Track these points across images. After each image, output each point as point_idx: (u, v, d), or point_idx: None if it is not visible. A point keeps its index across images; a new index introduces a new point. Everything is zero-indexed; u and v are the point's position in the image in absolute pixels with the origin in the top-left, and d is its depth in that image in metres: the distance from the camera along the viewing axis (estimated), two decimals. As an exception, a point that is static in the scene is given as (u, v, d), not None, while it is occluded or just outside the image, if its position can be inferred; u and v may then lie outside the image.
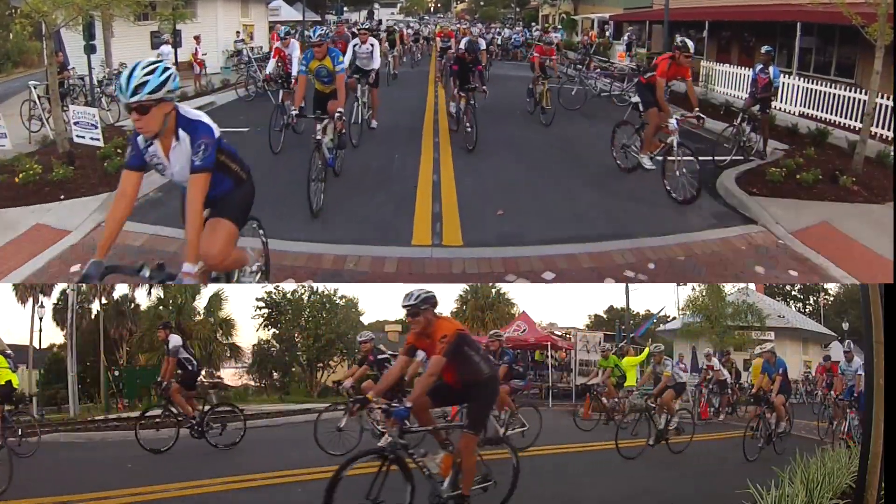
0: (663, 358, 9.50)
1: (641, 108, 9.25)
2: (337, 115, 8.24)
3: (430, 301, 4.54)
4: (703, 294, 19.59)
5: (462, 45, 14.12)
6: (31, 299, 24.71)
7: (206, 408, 8.80)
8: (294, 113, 8.71)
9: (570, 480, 7.05)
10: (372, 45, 11.62)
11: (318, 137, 8.09)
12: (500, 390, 7.87)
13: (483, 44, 15.37)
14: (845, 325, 28.07)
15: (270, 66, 12.72)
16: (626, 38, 22.94)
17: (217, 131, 4.13)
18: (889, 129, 12.08)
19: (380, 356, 8.60)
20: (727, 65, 17.58)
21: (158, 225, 7.68)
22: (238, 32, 21.59)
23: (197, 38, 18.43)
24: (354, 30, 15.05)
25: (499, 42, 26.32)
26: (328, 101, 8.78)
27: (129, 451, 8.03)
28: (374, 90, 11.72)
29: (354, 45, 11.73)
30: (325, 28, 8.95)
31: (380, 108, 12.07)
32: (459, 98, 11.29)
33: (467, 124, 10.93)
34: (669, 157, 8.65)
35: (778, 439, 8.80)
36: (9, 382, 7.98)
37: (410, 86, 18.41)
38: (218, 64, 20.00)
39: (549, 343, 19.84)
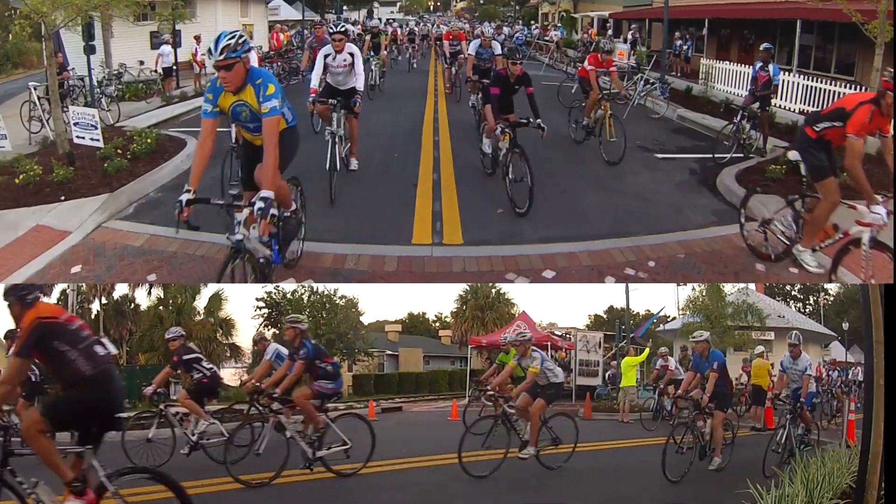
0: (530, 350, 7.30)
1: (809, 175, 6.04)
2: (258, 208, 4.65)
3: (16, 294, 3.81)
4: (703, 294, 19.59)
5: (479, 50, 11.63)
6: (31, 299, 24.73)
7: None
8: (185, 198, 4.79)
9: (567, 480, 7.04)
10: (352, 56, 8.60)
11: (238, 238, 4.84)
12: (300, 396, 6.62)
13: (498, 48, 11.98)
14: (845, 325, 28.08)
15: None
16: (630, 35, 22.94)
17: None
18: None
19: (186, 356, 7.82)
20: (727, 62, 17.57)
21: (156, 225, 7.69)
22: (231, 33, 21.53)
23: (197, 38, 18.42)
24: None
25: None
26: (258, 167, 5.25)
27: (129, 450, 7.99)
28: (353, 119, 8.63)
29: (326, 56, 8.62)
30: (238, 36, 4.94)
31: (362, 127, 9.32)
32: (503, 136, 8.05)
33: (512, 175, 7.95)
34: (849, 253, 5.72)
35: (715, 454, 7.30)
36: None
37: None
38: (218, 64, 20.00)
39: (549, 343, 19.84)
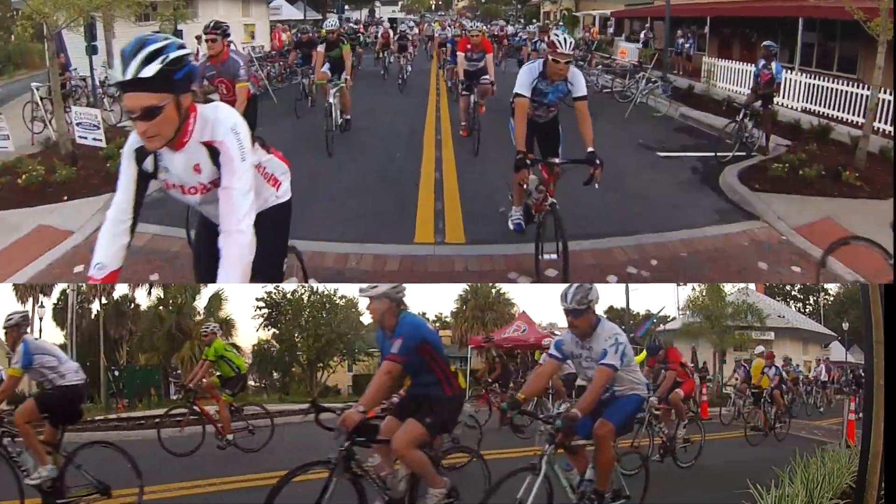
0: (21, 340, 4.87)
1: None
2: None
3: None
4: (703, 294, 19.61)
5: (541, 85, 6.23)
6: (31, 299, 24.81)
7: None
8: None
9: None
10: (211, 149, 3.03)
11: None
12: None
13: (582, 84, 6.49)
14: (845, 325, 28.06)
15: None
16: (643, 36, 22.95)
17: None
18: (891, 125, 12.06)
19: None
20: (729, 60, 17.55)
21: (158, 225, 7.70)
22: (224, 34, 21.39)
23: (199, 38, 18.42)
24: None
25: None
26: None
27: (130, 450, 7.94)
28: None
29: (140, 157, 3.21)
30: None
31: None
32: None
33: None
34: None
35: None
36: None
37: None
38: (219, 64, 20.00)
39: (550, 343, 19.82)
